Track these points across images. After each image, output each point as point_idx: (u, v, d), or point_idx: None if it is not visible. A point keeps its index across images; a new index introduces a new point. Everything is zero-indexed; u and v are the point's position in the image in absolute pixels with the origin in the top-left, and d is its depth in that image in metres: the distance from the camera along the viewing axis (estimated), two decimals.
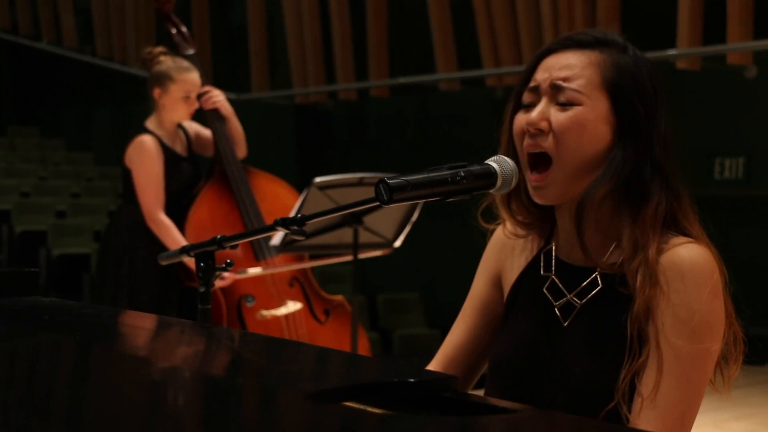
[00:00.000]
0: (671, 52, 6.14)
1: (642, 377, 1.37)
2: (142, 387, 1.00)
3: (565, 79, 1.41)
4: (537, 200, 1.45)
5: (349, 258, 3.60)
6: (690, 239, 1.42)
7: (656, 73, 1.47)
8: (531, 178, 1.43)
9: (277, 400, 0.93)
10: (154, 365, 1.10)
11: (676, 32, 6.14)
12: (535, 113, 1.42)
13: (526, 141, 1.43)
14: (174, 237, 3.69)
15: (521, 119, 1.45)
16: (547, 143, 1.41)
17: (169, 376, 1.03)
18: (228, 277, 3.68)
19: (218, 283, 3.63)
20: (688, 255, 1.39)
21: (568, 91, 1.41)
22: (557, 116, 1.41)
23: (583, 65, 1.42)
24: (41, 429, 0.85)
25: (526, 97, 1.45)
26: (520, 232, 1.54)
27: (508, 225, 1.54)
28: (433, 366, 1.59)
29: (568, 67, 1.42)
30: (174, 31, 4.17)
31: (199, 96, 3.91)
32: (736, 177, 6.87)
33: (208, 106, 3.96)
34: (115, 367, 1.09)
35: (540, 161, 1.43)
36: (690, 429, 1.39)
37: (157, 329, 1.37)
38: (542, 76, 1.44)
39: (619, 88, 1.42)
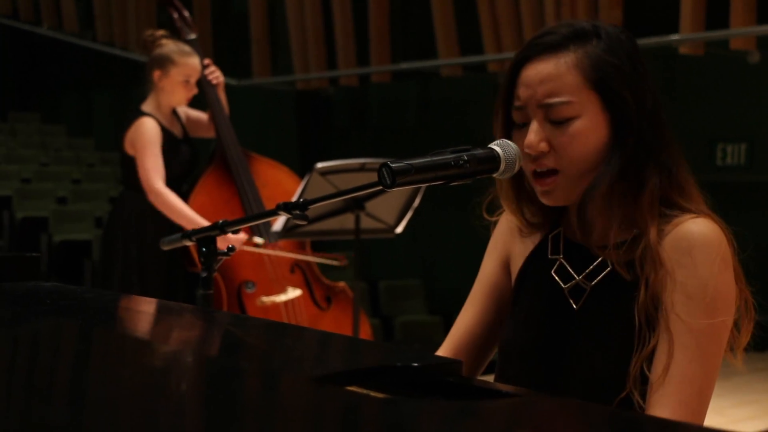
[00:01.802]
0: (674, 37, 6.12)
1: (655, 357, 1.36)
2: (144, 371, 0.99)
3: (550, 95, 1.38)
4: (546, 203, 1.44)
5: (344, 262, 3.61)
6: (693, 214, 1.41)
7: (633, 46, 1.43)
8: (537, 183, 1.42)
9: (279, 384, 0.93)
10: (157, 349, 1.09)
11: (679, 17, 6.12)
12: (532, 136, 1.40)
13: (530, 164, 1.41)
14: (174, 205, 3.64)
15: (518, 141, 1.42)
16: (552, 161, 1.40)
17: (171, 360, 1.03)
18: (235, 239, 3.64)
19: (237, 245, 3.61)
20: (693, 229, 1.38)
21: (559, 107, 1.38)
22: (557, 137, 1.39)
23: (562, 72, 1.38)
24: (44, 413, 0.84)
25: (517, 117, 1.43)
26: (534, 230, 1.53)
27: (523, 227, 1.53)
28: (442, 351, 1.58)
29: (549, 78, 1.39)
30: (176, 15, 4.15)
31: (199, 81, 3.90)
32: (738, 163, 6.86)
33: (212, 80, 3.97)
34: (117, 351, 1.09)
35: (545, 173, 1.42)
36: (707, 404, 1.38)
37: (159, 313, 1.36)
38: (525, 93, 1.40)
39: (604, 83, 1.38)
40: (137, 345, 1.10)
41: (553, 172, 1.41)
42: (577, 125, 1.38)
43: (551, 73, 1.39)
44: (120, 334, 1.19)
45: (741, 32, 5.97)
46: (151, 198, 3.67)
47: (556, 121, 1.39)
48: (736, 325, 1.42)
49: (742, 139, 6.84)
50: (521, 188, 1.49)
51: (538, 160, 1.40)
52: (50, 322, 1.22)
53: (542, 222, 1.52)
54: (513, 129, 1.44)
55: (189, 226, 3.57)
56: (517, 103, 1.42)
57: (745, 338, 1.43)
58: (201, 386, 0.93)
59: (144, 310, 1.37)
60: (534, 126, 1.40)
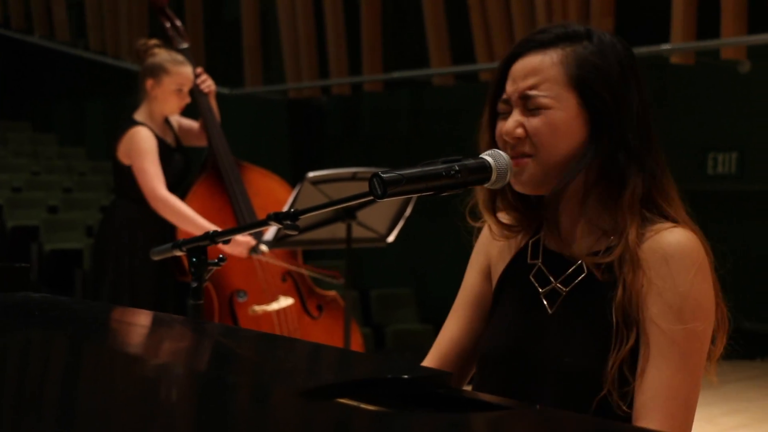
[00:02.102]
0: (665, 46, 6.14)
1: (638, 370, 1.37)
2: (134, 384, 0.99)
3: (531, 87, 1.43)
4: (517, 187, 1.45)
5: (340, 281, 3.61)
6: (673, 223, 1.42)
7: (627, 55, 1.46)
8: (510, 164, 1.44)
9: (270, 396, 0.92)
10: (147, 362, 1.09)
11: (670, 27, 6.14)
12: (509, 123, 1.44)
13: (508, 152, 1.45)
14: (181, 211, 3.63)
15: (499, 129, 1.47)
16: (527, 147, 1.43)
17: (161, 374, 1.02)
18: (242, 242, 3.62)
19: (233, 251, 3.59)
20: (672, 239, 1.39)
21: (536, 98, 1.42)
22: (531, 122, 1.43)
23: (546, 67, 1.43)
24: (33, 427, 0.84)
25: (501, 108, 1.47)
26: (508, 234, 1.54)
27: (495, 229, 1.54)
28: (427, 362, 1.59)
29: (533, 72, 1.43)
30: (168, 24, 4.15)
31: (191, 90, 3.90)
32: (729, 172, 6.88)
33: (205, 89, 3.96)
34: (106, 364, 1.08)
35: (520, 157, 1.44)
36: (693, 414, 1.38)
37: (149, 325, 1.36)
38: (511, 88, 1.45)
39: (584, 82, 1.42)
40: (127, 358, 1.10)
41: (527, 156, 1.43)
42: (550, 114, 1.42)
43: (535, 67, 1.43)
44: (110, 347, 1.18)
45: (732, 42, 5.99)
46: (156, 206, 3.66)
47: (533, 109, 1.43)
48: (712, 339, 1.42)
49: (733, 148, 6.86)
50: (502, 192, 1.50)
51: (516, 148, 1.43)
52: (39, 334, 1.21)
53: (516, 226, 1.53)
54: (498, 119, 1.47)
55: (197, 232, 3.56)
56: (503, 96, 1.46)
57: (719, 350, 1.44)
58: (191, 400, 0.93)
59: (134, 321, 1.36)
60: (513, 115, 1.44)
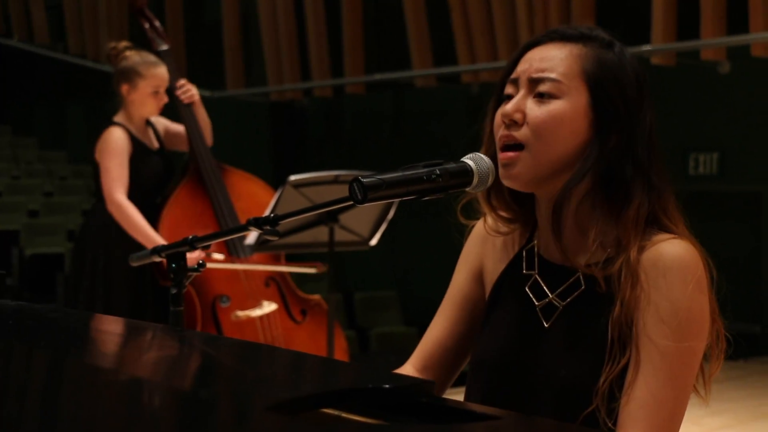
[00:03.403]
0: (646, 47, 6.16)
1: (627, 381, 1.35)
2: (113, 397, 0.97)
3: (543, 70, 1.40)
4: (505, 182, 1.42)
5: (323, 269, 3.58)
6: (673, 235, 1.40)
7: (643, 73, 1.45)
8: (501, 156, 1.41)
9: (250, 407, 0.91)
10: (126, 374, 1.07)
11: (650, 28, 6.16)
12: (510, 104, 1.41)
13: (502, 131, 1.41)
14: (132, 218, 3.60)
15: (499, 111, 1.43)
16: (521, 134, 1.39)
17: (140, 386, 1.00)
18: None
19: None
20: (670, 251, 1.37)
21: (547, 82, 1.39)
22: (533, 109, 1.39)
23: (564, 56, 1.41)
24: None
25: (507, 89, 1.44)
26: (502, 228, 1.51)
27: (489, 221, 1.52)
28: (412, 362, 1.56)
29: (549, 58, 1.41)
30: (147, 26, 4.11)
31: (171, 90, 3.86)
32: (710, 172, 6.91)
33: (186, 100, 3.91)
34: (84, 377, 1.06)
35: (513, 149, 1.41)
36: (679, 428, 1.37)
37: (128, 335, 1.34)
38: (522, 67, 1.43)
39: (599, 82, 1.40)
40: (105, 371, 1.08)
41: (519, 147, 1.40)
42: (556, 105, 1.39)
43: (552, 55, 1.41)
44: (87, 358, 1.16)
45: (711, 43, 6.02)
46: (111, 209, 3.63)
47: (540, 94, 1.40)
48: (706, 357, 1.41)
49: (714, 148, 6.89)
50: (497, 187, 1.47)
51: (510, 129, 1.40)
52: (13, 345, 1.19)
53: (512, 220, 1.50)
54: (501, 105, 1.44)
55: (145, 243, 3.53)
56: (512, 76, 1.44)
57: (715, 370, 1.42)
58: (171, 412, 0.91)
59: (111, 330, 1.34)
60: (517, 96, 1.41)
